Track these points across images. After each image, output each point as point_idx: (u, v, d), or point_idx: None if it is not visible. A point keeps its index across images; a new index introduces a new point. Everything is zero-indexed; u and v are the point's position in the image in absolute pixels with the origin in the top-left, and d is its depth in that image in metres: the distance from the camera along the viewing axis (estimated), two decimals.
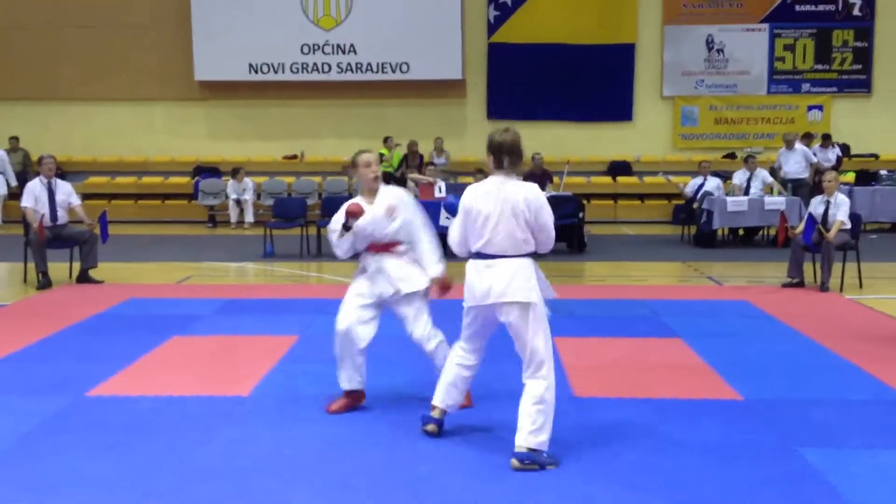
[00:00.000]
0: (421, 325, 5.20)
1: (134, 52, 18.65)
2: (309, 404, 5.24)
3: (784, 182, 14.26)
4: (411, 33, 18.16)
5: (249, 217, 16.67)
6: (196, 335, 7.18)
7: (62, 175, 10.17)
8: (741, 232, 13.97)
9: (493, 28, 18.61)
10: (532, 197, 4.37)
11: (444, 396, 4.77)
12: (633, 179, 18.43)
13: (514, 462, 4.24)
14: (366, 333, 5.14)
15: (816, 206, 9.69)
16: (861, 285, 9.55)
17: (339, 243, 5.21)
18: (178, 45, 18.45)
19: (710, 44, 18.45)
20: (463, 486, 4.02)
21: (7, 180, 16.90)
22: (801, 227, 9.56)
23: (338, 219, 5.22)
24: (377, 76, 18.43)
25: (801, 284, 9.48)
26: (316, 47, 18.43)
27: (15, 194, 14.80)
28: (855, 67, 18.41)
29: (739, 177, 13.86)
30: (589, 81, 18.37)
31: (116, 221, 12.98)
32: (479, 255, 4.46)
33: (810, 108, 18.54)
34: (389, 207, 5.14)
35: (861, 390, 5.63)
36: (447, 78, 18.40)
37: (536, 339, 4.40)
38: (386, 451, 4.50)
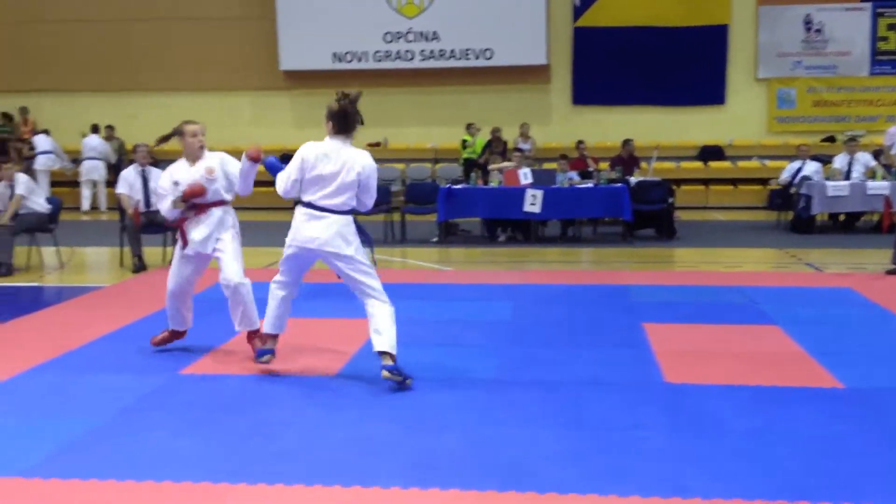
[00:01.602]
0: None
1: (221, 43, 19.01)
2: (394, 386, 5.23)
3: None
4: (495, 19, 18.01)
5: None
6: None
7: (155, 163, 10.43)
8: (842, 217, 13.44)
9: (578, 12, 18.31)
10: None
11: (277, 324, 5.54)
12: (725, 164, 17.95)
13: (385, 373, 5.06)
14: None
15: None
16: None
17: (170, 211, 5.92)
18: (264, 37, 18.73)
19: (808, 24, 17.79)
20: (550, 470, 3.94)
21: (108, 164, 17.45)
22: None
23: (167, 188, 5.95)
24: (460, 63, 18.36)
25: None
26: (399, 35, 18.47)
27: (111, 181, 15.27)
28: None
29: (840, 161, 13.34)
30: (679, 65, 17.92)
31: None
32: (311, 206, 5.16)
33: None
34: (208, 169, 5.88)
35: None
36: (531, 63, 18.20)
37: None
38: (471, 433, 4.45)
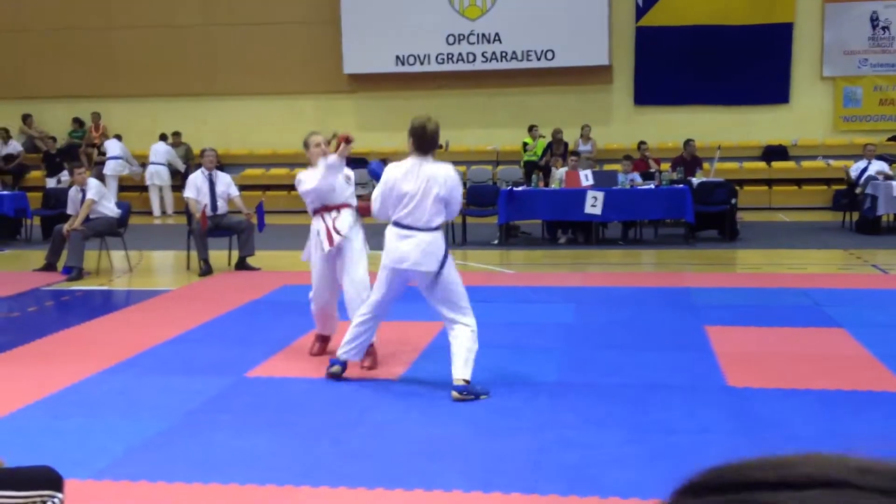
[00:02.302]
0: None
1: (285, 48, 19.29)
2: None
3: None
4: (556, 20, 17.95)
5: None
6: (347, 320, 7.35)
7: (221, 167, 10.64)
8: None
9: (641, 12, 18.16)
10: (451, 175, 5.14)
11: (354, 352, 5.47)
12: (789, 164, 17.63)
13: (454, 394, 5.02)
14: None
15: None
16: None
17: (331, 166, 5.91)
18: (328, 41, 18.96)
19: (874, 21, 17.36)
20: (612, 474, 3.96)
21: (177, 168, 17.85)
22: None
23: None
24: (522, 64, 18.34)
25: None
26: (461, 37, 18.53)
27: (177, 186, 15.61)
28: None
29: None
30: (742, 63, 17.65)
31: (271, 211, 13.49)
32: (398, 225, 5.16)
33: None
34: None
35: None
36: (593, 64, 18.09)
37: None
38: (533, 436, 4.49)
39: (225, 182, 10.36)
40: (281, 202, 17.91)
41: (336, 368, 5.51)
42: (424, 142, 5.15)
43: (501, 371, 5.65)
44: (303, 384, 5.52)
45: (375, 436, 4.55)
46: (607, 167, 14.78)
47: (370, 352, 5.74)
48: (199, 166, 10.50)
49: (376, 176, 5.46)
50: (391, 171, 5.20)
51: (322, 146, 6.09)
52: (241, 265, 10.21)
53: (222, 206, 10.27)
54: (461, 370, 5.08)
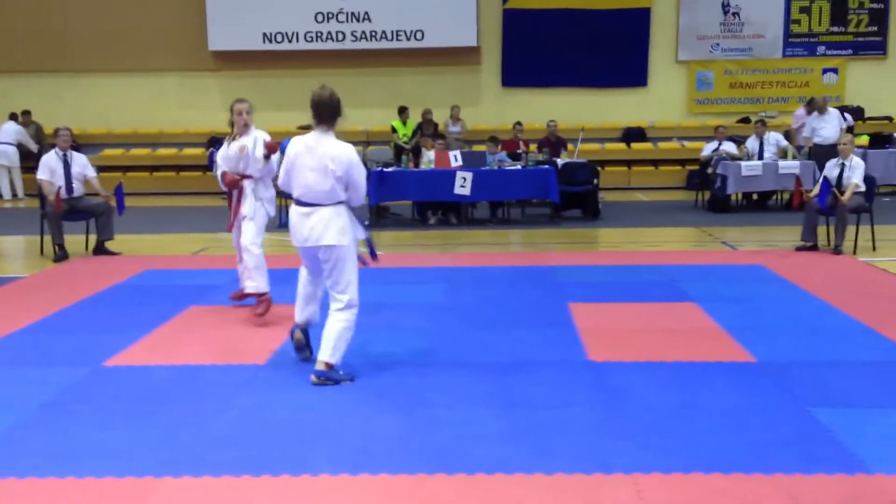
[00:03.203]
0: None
1: (147, 22, 18.59)
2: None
3: (819, 147, 13.80)
4: (426, 0, 18.02)
5: None
6: (213, 305, 7.23)
7: (77, 147, 10.18)
8: (755, 197, 13.88)
9: None
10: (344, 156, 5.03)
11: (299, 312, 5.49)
12: (647, 145, 18.31)
13: (313, 378, 5.05)
14: None
15: (831, 169, 9.63)
16: (874, 248, 9.50)
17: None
18: (192, 16, 18.39)
19: (725, 7, 18.21)
20: (479, 451, 4.05)
21: (29, 149, 16.97)
22: (816, 190, 9.50)
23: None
24: (392, 44, 18.31)
25: (814, 248, 9.44)
26: (330, 15, 18.33)
27: (30, 168, 14.85)
28: (870, 29, 18.15)
29: (751, 142, 13.75)
30: (604, 47, 18.20)
31: (131, 193, 13.05)
32: (299, 203, 5.16)
33: (825, 71, 18.31)
34: (241, 147, 6.70)
35: (874, 351, 5.63)
36: (462, 45, 18.26)
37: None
38: (403, 417, 4.53)
39: (81, 163, 9.95)
40: (142, 184, 17.31)
41: (297, 334, 5.52)
42: (318, 113, 5.05)
43: (370, 352, 5.68)
44: (165, 372, 5.38)
45: (240, 422, 4.49)
46: (476, 148, 14.95)
47: (263, 299, 6.59)
48: (53, 146, 10.02)
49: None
50: (292, 146, 5.18)
51: (243, 115, 6.66)
52: (100, 250, 9.84)
53: (78, 189, 9.87)
54: (325, 353, 5.05)
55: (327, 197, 5.02)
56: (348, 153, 5.05)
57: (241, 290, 6.99)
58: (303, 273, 5.42)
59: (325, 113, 5.05)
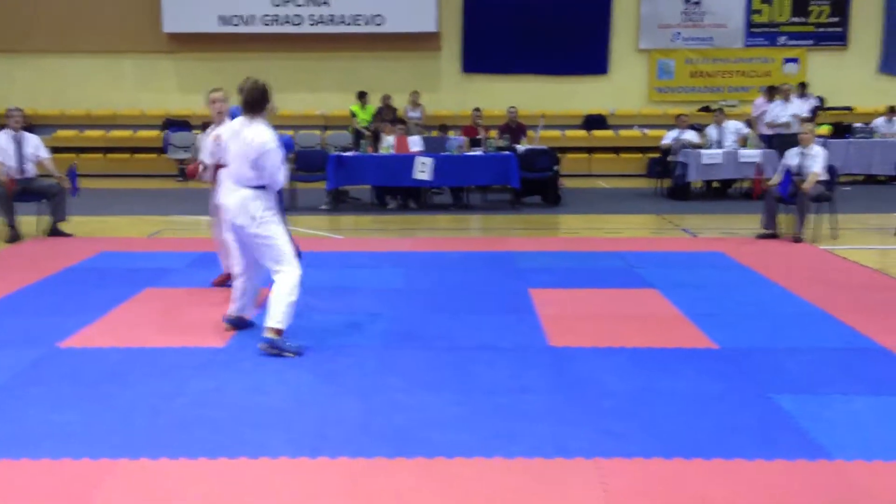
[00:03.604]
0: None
1: (101, 3, 18.25)
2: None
3: (780, 136, 13.94)
4: None
5: None
6: (169, 287, 7.11)
7: (30, 128, 9.97)
8: (715, 185, 14.00)
9: None
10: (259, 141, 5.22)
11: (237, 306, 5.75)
12: (608, 133, 18.39)
13: (261, 345, 5.18)
14: None
15: (792, 157, 9.72)
16: (834, 236, 9.62)
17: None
18: None
19: None
20: (438, 435, 4.02)
21: None
22: (776, 178, 9.58)
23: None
24: (350, 28, 18.16)
25: (775, 236, 9.54)
26: None
27: None
28: (832, 20, 18.39)
29: (711, 131, 13.87)
30: (565, 34, 18.22)
31: (85, 175, 12.81)
32: (228, 179, 5.44)
33: (786, 60, 18.53)
34: (216, 136, 6.46)
35: (834, 338, 5.69)
36: (421, 31, 18.16)
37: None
38: (362, 401, 4.48)
39: (33, 144, 9.75)
40: (96, 165, 16.99)
41: (227, 325, 5.76)
42: (244, 101, 5.31)
43: (329, 336, 5.62)
44: (121, 354, 5.28)
45: (197, 405, 4.41)
46: (435, 134, 14.91)
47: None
48: (3, 127, 9.80)
49: (289, 147, 5.69)
50: (226, 130, 5.52)
51: (217, 104, 6.64)
52: (53, 231, 9.65)
53: (31, 170, 9.70)
54: (272, 319, 5.17)
55: (248, 180, 5.27)
56: (262, 139, 5.23)
57: (223, 274, 6.99)
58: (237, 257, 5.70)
59: (250, 101, 5.29)
